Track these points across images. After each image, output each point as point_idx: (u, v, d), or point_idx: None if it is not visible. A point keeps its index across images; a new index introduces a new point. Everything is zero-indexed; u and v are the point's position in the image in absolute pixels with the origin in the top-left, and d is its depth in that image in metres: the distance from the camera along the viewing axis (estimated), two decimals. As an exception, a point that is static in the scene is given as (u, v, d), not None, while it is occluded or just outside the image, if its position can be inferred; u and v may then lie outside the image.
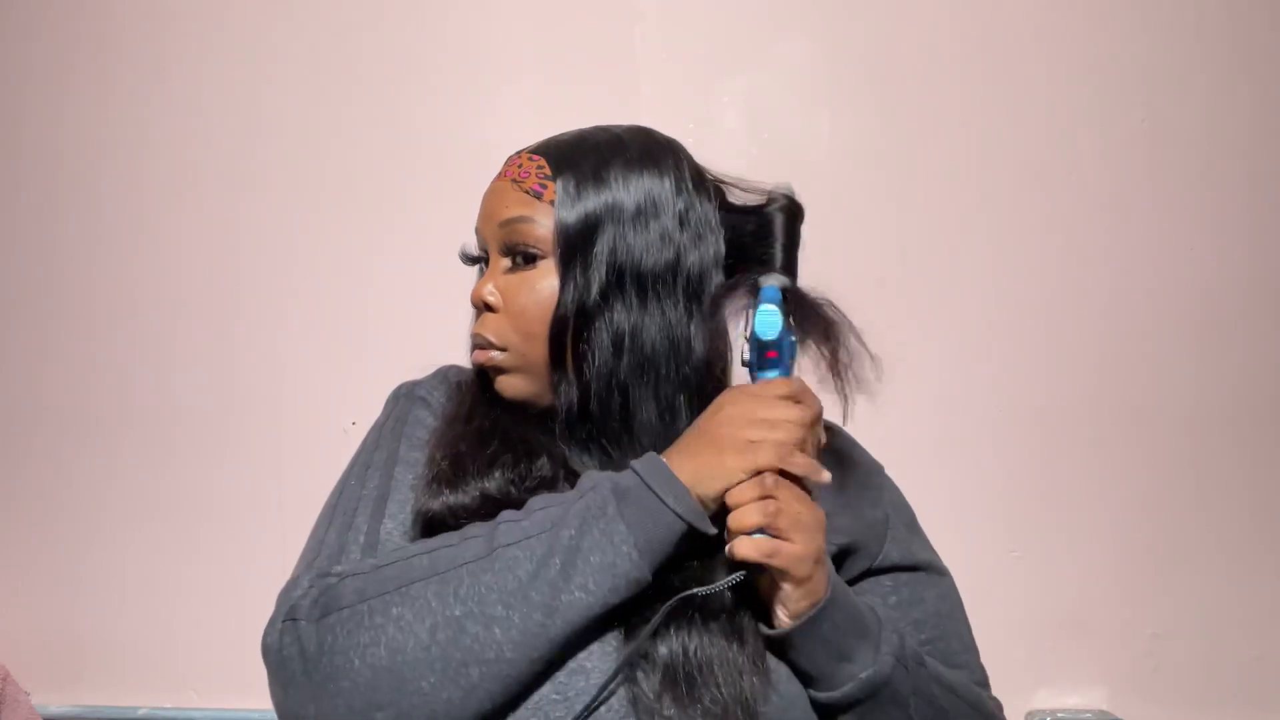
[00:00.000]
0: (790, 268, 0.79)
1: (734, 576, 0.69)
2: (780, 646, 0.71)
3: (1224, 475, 1.40)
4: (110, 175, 1.54)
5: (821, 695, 0.71)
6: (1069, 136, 1.39)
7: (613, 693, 0.68)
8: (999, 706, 0.83)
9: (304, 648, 0.65)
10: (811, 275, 1.50)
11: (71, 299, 1.55)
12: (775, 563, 0.67)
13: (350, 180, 1.49)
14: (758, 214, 0.80)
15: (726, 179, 0.84)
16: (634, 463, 0.70)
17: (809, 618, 0.69)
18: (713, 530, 0.69)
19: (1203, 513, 1.40)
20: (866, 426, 0.84)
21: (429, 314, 1.35)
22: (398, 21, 1.48)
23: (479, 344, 0.79)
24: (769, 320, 0.74)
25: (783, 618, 0.70)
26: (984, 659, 0.86)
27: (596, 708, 0.67)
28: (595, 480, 0.70)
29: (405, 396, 0.88)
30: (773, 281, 0.76)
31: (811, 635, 0.69)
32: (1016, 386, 1.41)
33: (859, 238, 1.41)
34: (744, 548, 0.67)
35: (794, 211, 0.80)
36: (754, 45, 1.43)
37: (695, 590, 0.68)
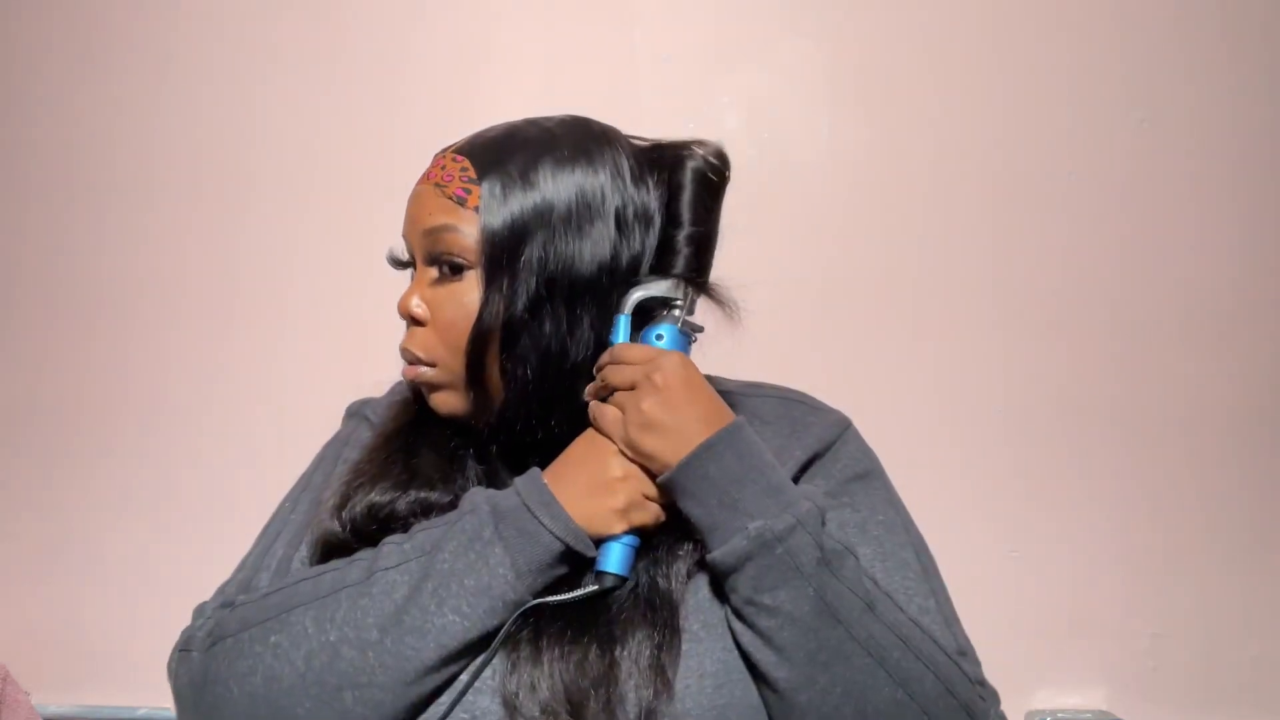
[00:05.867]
0: (695, 261, 0.74)
1: (589, 589, 0.68)
2: (674, 494, 0.68)
3: (1224, 475, 1.40)
4: (108, 173, 1.54)
5: (712, 554, 0.67)
6: (1068, 136, 1.39)
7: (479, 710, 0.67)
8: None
9: (193, 678, 0.67)
10: (811, 275, 1.50)
11: (69, 299, 1.55)
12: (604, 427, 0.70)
13: (348, 180, 1.49)
14: (670, 198, 0.75)
15: (646, 139, 0.78)
16: (517, 481, 0.69)
17: (692, 454, 0.66)
18: (593, 552, 0.68)
19: (1202, 513, 1.40)
20: (867, 425, 0.84)
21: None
22: (396, 22, 1.48)
23: (408, 360, 0.75)
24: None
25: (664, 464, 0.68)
26: (984, 659, 0.85)
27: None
28: (475, 501, 0.68)
29: (354, 415, 0.87)
30: (676, 323, 0.74)
31: (697, 474, 0.66)
32: (1016, 386, 1.41)
33: (857, 238, 1.41)
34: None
35: (706, 184, 0.75)
36: (754, 45, 1.43)
37: (545, 599, 0.67)
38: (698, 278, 0.75)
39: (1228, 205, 1.38)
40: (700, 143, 0.77)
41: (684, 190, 0.75)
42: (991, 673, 0.84)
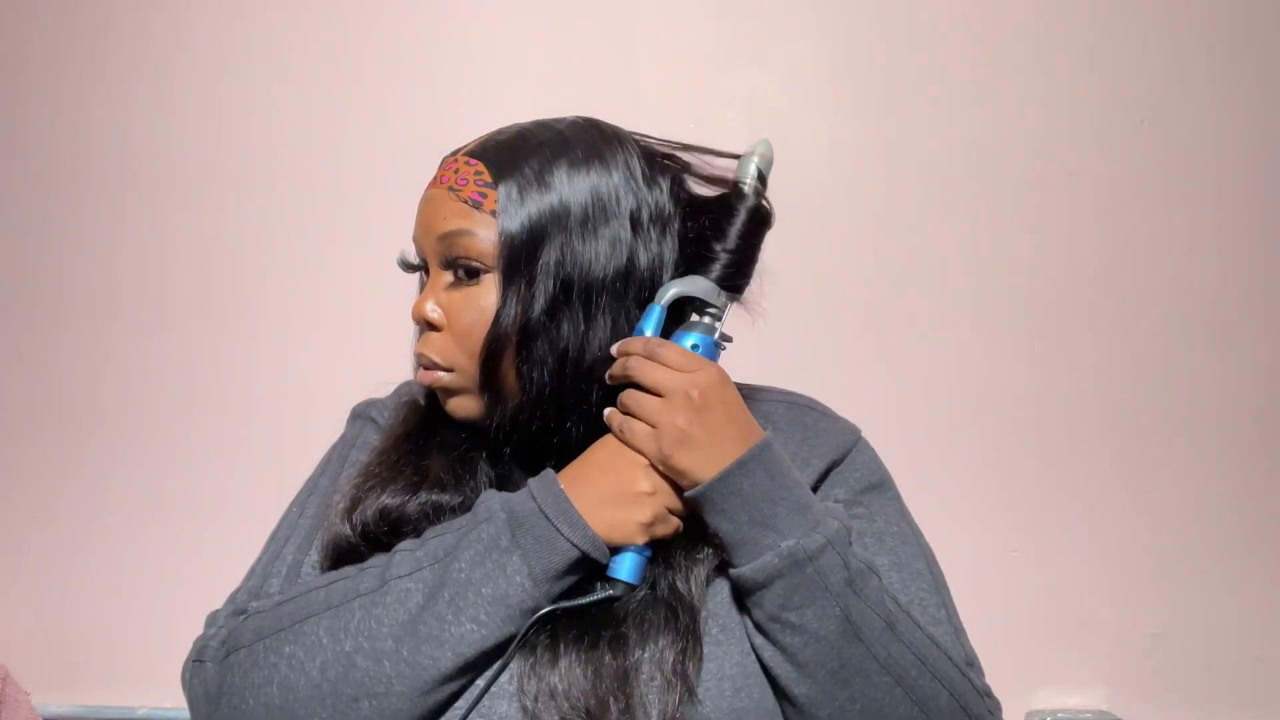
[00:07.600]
0: (737, 275, 0.75)
1: (604, 594, 0.68)
2: (703, 509, 0.68)
3: (1224, 475, 1.40)
4: (120, 177, 1.54)
5: (740, 570, 0.67)
6: (1069, 136, 1.39)
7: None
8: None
9: (208, 689, 0.66)
10: (812, 275, 1.50)
11: (73, 298, 1.55)
12: (630, 440, 0.68)
13: (353, 180, 1.49)
14: (718, 208, 0.75)
15: (696, 148, 0.79)
16: (531, 483, 0.68)
17: (726, 471, 0.66)
18: (609, 559, 0.68)
19: (1202, 513, 1.40)
20: (866, 424, 0.84)
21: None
22: (398, 22, 1.48)
23: (424, 364, 0.74)
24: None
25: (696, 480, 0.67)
26: (984, 659, 0.85)
27: None
28: (491, 508, 0.67)
29: (360, 417, 0.86)
30: (712, 334, 0.73)
31: (730, 491, 0.66)
32: (1017, 386, 1.41)
33: (859, 237, 1.41)
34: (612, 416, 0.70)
35: (759, 217, 0.75)
36: (754, 45, 1.43)
37: (560, 605, 0.67)
38: (735, 290, 0.75)
39: (1229, 205, 1.38)
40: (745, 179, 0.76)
41: (738, 215, 0.75)
42: (991, 673, 0.84)
